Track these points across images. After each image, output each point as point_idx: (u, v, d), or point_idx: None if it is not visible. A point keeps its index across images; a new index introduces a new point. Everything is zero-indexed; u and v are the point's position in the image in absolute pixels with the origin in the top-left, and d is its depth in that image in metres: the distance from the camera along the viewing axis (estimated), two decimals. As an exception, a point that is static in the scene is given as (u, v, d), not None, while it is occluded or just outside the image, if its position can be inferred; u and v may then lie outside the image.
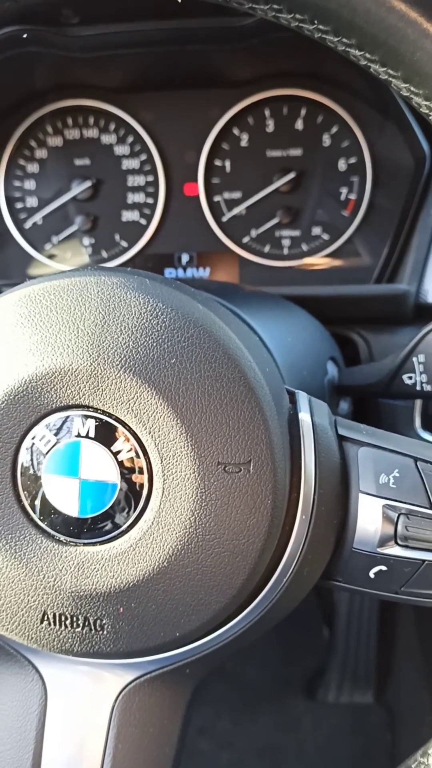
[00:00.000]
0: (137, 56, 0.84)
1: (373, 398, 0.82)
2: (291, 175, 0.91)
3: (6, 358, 0.41)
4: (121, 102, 0.92)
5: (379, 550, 0.44)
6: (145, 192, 0.94)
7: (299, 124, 0.90)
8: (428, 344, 0.63)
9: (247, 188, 0.93)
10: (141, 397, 0.40)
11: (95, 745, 0.48)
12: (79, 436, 0.41)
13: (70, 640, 0.43)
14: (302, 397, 0.47)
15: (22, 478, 0.42)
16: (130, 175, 0.94)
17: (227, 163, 0.92)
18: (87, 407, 0.41)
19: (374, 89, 0.83)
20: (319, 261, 0.93)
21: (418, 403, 0.81)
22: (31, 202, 0.95)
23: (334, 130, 0.90)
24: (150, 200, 0.94)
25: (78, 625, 0.43)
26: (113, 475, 0.41)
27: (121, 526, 0.41)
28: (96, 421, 0.41)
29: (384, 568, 0.44)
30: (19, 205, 0.95)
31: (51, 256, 0.96)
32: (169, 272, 0.96)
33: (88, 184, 0.93)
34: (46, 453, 0.41)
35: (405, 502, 0.43)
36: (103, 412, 0.41)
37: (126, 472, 0.41)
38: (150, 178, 0.94)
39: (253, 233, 0.94)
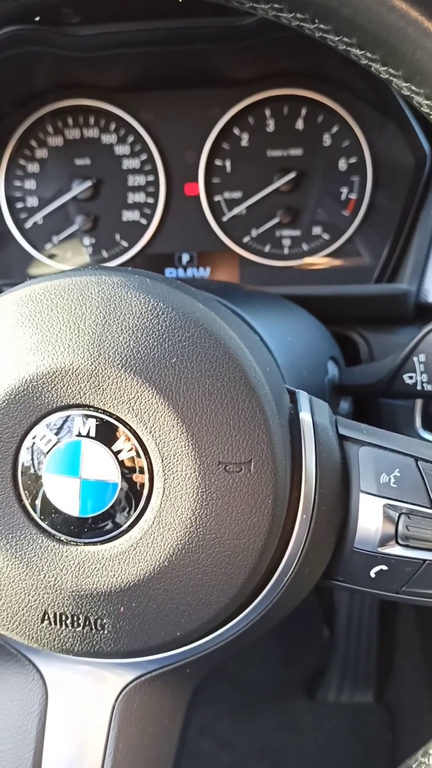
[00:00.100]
0: (138, 56, 0.84)
1: (373, 398, 0.82)
2: (291, 175, 0.91)
3: (7, 358, 0.41)
4: (122, 102, 0.92)
5: (379, 549, 0.44)
6: (145, 192, 0.94)
7: (300, 124, 0.90)
8: (429, 344, 0.63)
9: (247, 188, 0.93)
10: (142, 396, 0.40)
11: (96, 745, 0.48)
12: (79, 435, 0.41)
13: (70, 640, 0.43)
14: (303, 397, 0.47)
15: (23, 477, 0.42)
16: (130, 174, 0.94)
17: (228, 163, 0.92)
18: (88, 407, 0.41)
19: (375, 89, 0.83)
20: (319, 261, 0.93)
21: (419, 402, 0.81)
22: (32, 201, 0.95)
23: (335, 129, 0.90)
24: (150, 200, 0.94)
25: (79, 625, 0.43)
26: (114, 475, 0.41)
27: (121, 526, 0.41)
28: (97, 421, 0.41)
29: (385, 567, 0.44)
30: (19, 205, 0.95)
31: (51, 256, 0.96)
32: (170, 272, 0.96)
33: (88, 183, 0.93)
34: (47, 452, 0.41)
35: (406, 502, 0.43)
36: (104, 412, 0.41)
37: (127, 471, 0.41)
38: (150, 178, 0.94)
39: (254, 233, 0.94)
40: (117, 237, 0.95)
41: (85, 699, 0.49)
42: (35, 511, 0.42)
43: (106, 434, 0.41)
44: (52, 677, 0.49)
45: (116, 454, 0.41)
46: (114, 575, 0.41)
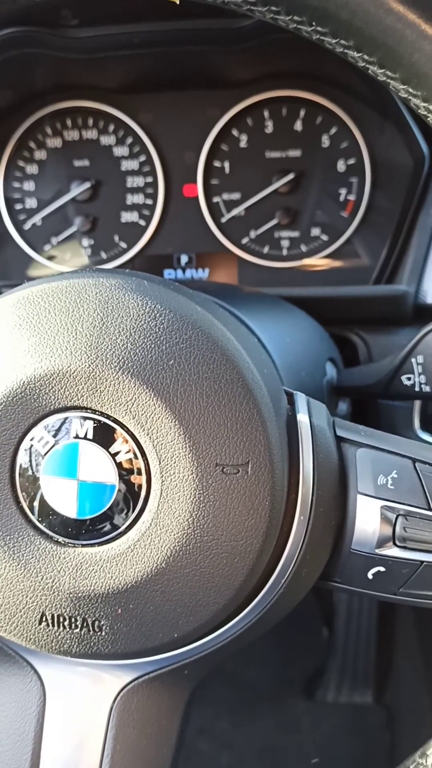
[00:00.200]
0: (136, 57, 0.84)
1: (372, 399, 0.82)
2: (290, 176, 0.91)
3: (4, 360, 0.41)
4: (120, 103, 0.92)
5: (377, 551, 0.44)
6: (144, 193, 0.94)
7: (298, 125, 0.90)
8: (427, 345, 0.63)
9: (246, 189, 0.93)
10: (139, 398, 0.40)
11: (93, 746, 0.48)
12: (77, 437, 0.41)
13: (68, 641, 0.43)
14: (300, 399, 0.47)
15: (21, 479, 0.42)
16: (129, 176, 0.94)
17: (226, 164, 0.92)
18: (85, 409, 0.41)
19: (373, 90, 0.83)
20: (318, 262, 0.93)
21: (417, 404, 0.81)
22: (31, 203, 0.95)
23: (333, 131, 0.90)
24: (149, 201, 0.94)
25: (76, 626, 0.43)
26: (111, 477, 0.41)
27: (119, 528, 0.41)
28: (94, 423, 0.41)
29: (382, 569, 0.44)
30: (18, 206, 0.95)
31: (50, 258, 0.96)
32: (169, 273, 0.96)
33: (87, 185, 0.93)
34: (45, 454, 0.41)
35: (403, 503, 0.43)
36: (102, 414, 0.41)
37: (124, 473, 0.41)
38: (149, 179, 0.94)
39: (252, 234, 0.94)
40: (116, 238, 0.95)
41: (83, 700, 0.49)
42: (33, 513, 0.42)
43: (103, 436, 0.41)
44: (49, 679, 0.49)
45: (114, 456, 0.41)
46: (111, 577, 0.41)
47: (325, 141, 0.90)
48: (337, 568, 0.45)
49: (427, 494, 0.43)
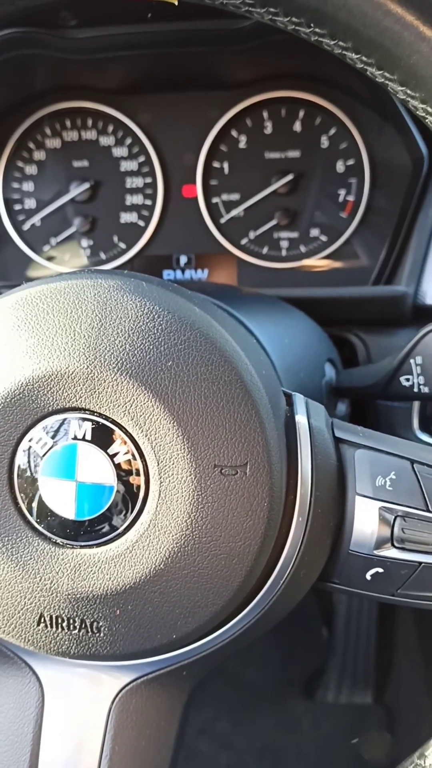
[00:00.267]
0: (135, 58, 0.85)
1: (370, 400, 0.82)
2: (289, 177, 0.91)
3: (3, 361, 0.42)
4: (120, 104, 0.92)
5: (375, 552, 0.44)
6: (143, 194, 0.94)
7: (297, 126, 0.90)
8: (426, 346, 0.63)
9: (245, 190, 0.93)
10: (137, 399, 0.40)
11: (92, 747, 0.48)
12: (75, 438, 0.41)
13: (66, 643, 0.43)
14: (299, 400, 0.47)
15: (19, 480, 0.42)
16: (128, 176, 0.94)
17: (225, 165, 0.92)
18: (84, 410, 0.41)
19: (372, 91, 0.83)
20: (317, 263, 0.93)
21: (416, 404, 0.81)
22: (30, 203, 0.95)
23: (333, 131, 0.90)
24: (148, 202, 0.94)
25: (75, 628, 0.43)
26: (110, 478, 0.41)
27: (117, 529, 0.41)
28: (93, 424, 0.41)
29: (380, 570, 0.44)
30: (17, 207, 0.96)
31: (49, 258, 0.96)
32: (168, 274, 0.96)
33: (86, 185, 0.93)
34: (43, 455, 0.41)
35: (401, 505, 0.43)
36: (100, 415, 0.41)
37: (123, 474, 0.41)
38: (148, 180, 0.94)
39: (252, 235, 0.94)
40: (115, 239, 0.95)
41: (82, 701, 0.49)
42: (31, 514, 0.42)
43: (102, 437, 0.41)
44: (48, 680, 0.49)
45: (112, 457, 0.41)
46: (110, 578, 0.41)
47: (324, 142, 0.91)
48: (336, 569, 0.45)
49: (426, 495, 0.43)
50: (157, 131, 0.92)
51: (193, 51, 0.83)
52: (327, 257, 0.93)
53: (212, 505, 0.40)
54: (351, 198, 0.91)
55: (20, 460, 0.42)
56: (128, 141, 0.93)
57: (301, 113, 0.90)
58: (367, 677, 1.32)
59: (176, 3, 0.41)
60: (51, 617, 0.43)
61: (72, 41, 0.81)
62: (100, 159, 0.94)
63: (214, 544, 0.41)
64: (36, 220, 0.95)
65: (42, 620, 0.43)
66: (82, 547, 0.42)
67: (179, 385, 0.40)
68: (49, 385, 0.41)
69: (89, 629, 0.42)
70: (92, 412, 0.41)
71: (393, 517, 0.43)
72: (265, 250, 0.94)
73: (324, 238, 0.92)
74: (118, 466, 0.41)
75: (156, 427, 0.40)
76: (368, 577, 0.44)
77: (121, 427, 0.41)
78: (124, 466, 0.41)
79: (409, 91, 0.38)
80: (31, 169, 0.94)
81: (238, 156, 0.92)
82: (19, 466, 0.42)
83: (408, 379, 0.64)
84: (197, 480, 0.40)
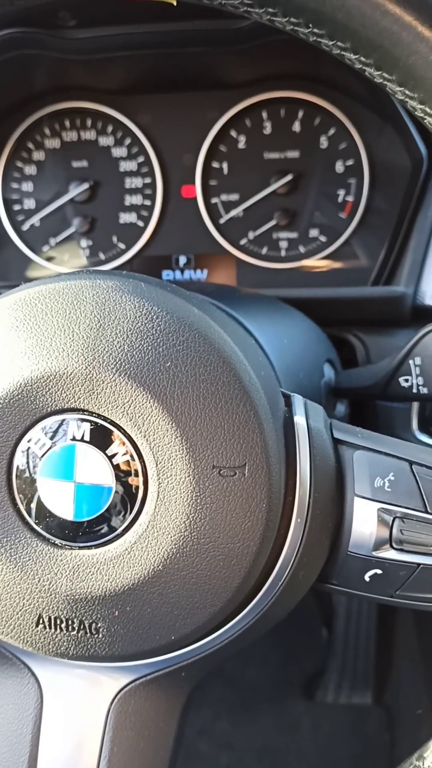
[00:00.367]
0: (134, 59, 0.84)
1: (370, 401, 0.82)
2: (288, 177, 0.91)
3: (1, 362, 0.42)
4: (119, 104, 0.92)
5: (374, 553, 0.44)
6: (142, 194, 0.94)
7: (296, 126, 0.90)
8: (425, 347, 0.63)
9: (244, 190, 0.93)
10: (136, 400, 0.40)
11: (91, 749, 0.48)
12: (74, 439, 0.41)
13: (65, 644, 0.43)
14: (298, 400, 0.47)
15: (18, 481, 0.42)
16: (127, 177, 0.94)
17: (225, 165, 0.92)
18: (82, 411, 0.41)
19: (371, 92, 0.83)
20: (316, 263, 0.93)
21: (416, 405, 0.81)
22: (29, 204, 0.95)
23: (332, 132, 0.90)
24: (147, 202, 0.94)
25: (73, 629, 0.43)
26: (108, 479, 0.41)
27: (116, 530, 0.41)
28: (91, 425, 0.41)
29: (379, 571, 0.44)
30: (16, 207, 0.95)
31: (49, 258, 0.96)
32: (167, 274, 0.96)
33: (85, 186, 0.93)
34: (42, 456, 0.41)
35: (400, 506, 0.43)
36: (99, 416, 0.41)
37: (121, 475, 0.41)
38: (147, 180, 0.94)
39: (251, 235, 0.94)
40: (114, 239, 0.95)
41: (81, 702, 0.49)
42: (30, 515, 0.42)
43: (100, 438, 0.41)
44: (47, 681, 0.49)
45: (111, 458, 0.41)
46: (109, 579, 0.41)
47: (324, 142, 0.91)
48: (334, 570, 0.45)
49: (424, 497, 0.43)
50: (157, 131, 0.92)
51: (193, 51, 0.83)
52: (326, 258, 0.93)
53: (211, 506, 0.40)
54: (350, 198, 0.91)
55: (19, 460, 0.42)
56: (127, 141, 0.93)
57: (301, 113, 0.90)
58: (367, 678, 1.32)
59: (175, 3, 0.41)
60: (50, 618, 0.43)
61: (71, 41, 0.81)
62: (100, 159, 0.94)
63: (213, 545, 0.41)
64: (35, 220, 0.95)
65: (41, 621, 0.43)
66: (80, 548, 0.42)
67: (178, 385, 0.40)
68: (48, 386, 0.41)
69: (88, 630, 0.42)
70: (91, 413, 0.41)
71: (391, 518, 0.43)
72: (264, 251, 0.94)
73: (323, 239, 0.92)
74: (116, 467, 0.41)
75: (154, 427, 0.40)
76: (367, 578, 0.44)
77: (119, 428, 0.41)
78: (123, 467, 0.41)
79: (407, 92, 0.38)
80: (31, 170, 0.94)
81: (237, 156, 0.92)
82: (17, 467, 0.42)
83: (407, 380, 0.64)
84: (196, 481, 0.40)
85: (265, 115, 0.91)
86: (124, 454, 0.41)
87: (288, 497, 0.43)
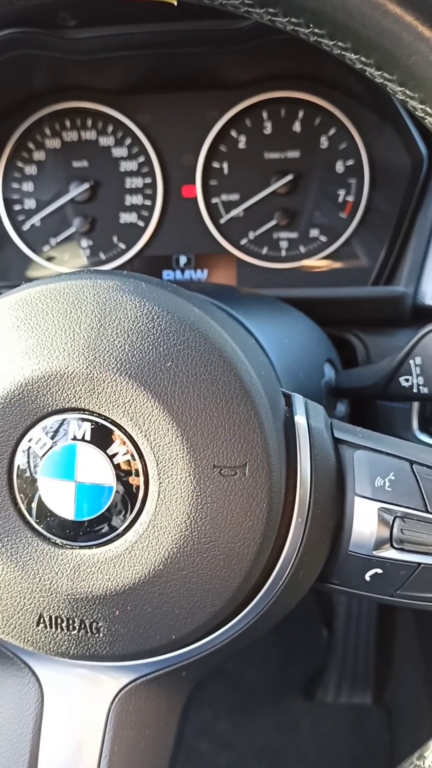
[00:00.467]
0: (134, 58, 0.85)
1: (370, 400, 0.82)
2: (288, 177, 0.91)
3: (2, 362, 0.42)
4: (119, 104, 0.92)
5: (374, 553, 0.44)
6: (143, 194, 0.94)
7: (297, 126, 0.90)
8: (425, 346, 0.63)
9: (244, 190, 0.93)
10: (137, 400, 0.40)
11: (92, 748, 0.48)
12: (75, 439, 0.41)
13: (66, 643, 0.43)
14: (298, 400, 0.47)
15: (19, 480, 0.42)
16: (128, 177, 0.94)
17: (225, 165, 0.92)
18: (83, 410, 0.41)
19: (372, 91, 0.83)
20: (316, 263, 0.93)
21: (416, 405, 0.81)
22: (29, 204, 0.95)
23: (332, 132, 0.90)
24: (148, 202, 0.94)
25: (74, 628, 0.43)
26: (109, 478, 0.41)
27: (117, 529, 0.41)
28: (92, 424, 0.41)
29: (379, 571, 0.44)
30: (17, 207, 0.96)
31: (49, 258, 0.96)
32: (167, 274, 0.96)
33: (86, 186, 0.93)
34: (42, 456, 0.41)
35: (400, 506, 0.43)
36: (99, 416, 0.41)
37: (122, 475, 0.41)
38: (148, 180, 0.94)
39: (251, 235, 0.94)
40: (114, 239, 0.95)
41: (81, 702, 0.49)
42: (31, 515, 0.42)
43: (101, 438, 0.41)
44: (47, 680, 0.49)
45: (111, 457, 0.41)
46: (109, 578, 0.41)
47: (324, 142, 0.91)
48: (335, 570, 0.45)
49: (425, 496, 0.43)
50: (157, 131, 0.92)
51: (193, 51, 0.83)
52: (326, 258, 0.93)
53: (211, 505, 0.40)
54: (350, 198, 0.91)
55: (20, 460, 0.42)
56: (128, 141, 0.93)
57: (301, 113, 0.90)
58: (367, 678, 1.32)
59: (175, 3, 0.41)
60: (50, 618, 0.43)
61: (71, 41, 0.81)
62: (100, 159, 0.94)
63: (214, 544, 0.41)
64: (36, 220, 0.95)
65: (41, 621, 0.43)
66: (81, 547, 0.42)
67: (178, 385, 0.40)
68: (49, 386, 0.41)
69: (88, 630, 0.42)
70: (91, 413, 0.41)
71: (392, 517, 0.43)
72: (264, 251, 0.94)
73: (323, 239, 0.92)
74: (117, 467, 0.41)
75: (155, 427, 0.40)
76: (367, 577, 0.44)
77: (120, 428, 0.41)
78: (124, 467, 0.41)
79: (408, 92, 0.38)
80: (31, 170, 0.94)
81: (237, 156, 0.92)
82: (18, 467, 0.42)
83: (407, 380, 0.64)
84: (196, 480, 0.40)
85: (265, 115, 0.91)
86: (125, 453, 0.41)
87: (288, 497, 0.43)
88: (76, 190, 0.93)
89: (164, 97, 0.92)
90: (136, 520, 0.41)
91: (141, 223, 0.95)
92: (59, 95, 0.92)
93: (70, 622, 0.42)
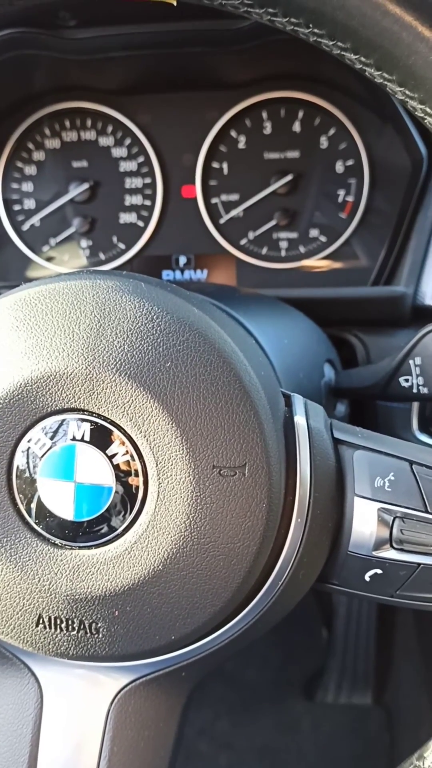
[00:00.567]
0: (134, 59, 0.85)
1: (370, 401, 0.82)
2: (288, 178, 0.91)
3: (1, 362, 0.42)
4: (119, 104, 0.92)
5: (374, 553, 0.44)
6: (142, 194, 0.94)
7: (296, 127, 0.90)
8: (425, 347, 0.63)
9: (244, 190, 0.93)
10: (136, 400, 0.40)
11: (91, 749, 0.48)
12: (74, 439, 0.41)
13: (65, 644, 0.43)
14: (298, 400, 0.47)
15: (18, 481, 0.42)
16: (127, 177, 0.94)
17: (225, 165, 0.92)
18: (82, 411, 0.41)
19: (371, 92, 0.83)
20: (316, 263, 0.93)
21: (416, 405, 0.81)
22: (29, 204, 0.95)
23: (332, 132, 0.90)
24: (147, 202, 0.94)
25: (73, 629, 0.43)
26: (108, 479, 0.41)
27: (116, 530, 0.41)
28: (91, 425, 0.41)
29: (379, 571, 0.44)
30: (16, 207, 0.96)
31: (49, 259, 0.96)
32: (167, 274, 0.96)
33: (85, 186, 0.93)
34: (42, 456, 0.41)
35: (400, 506, 0.43)
36: (99, 416, 0.41)
37: (121, 475, 0.41)
38: (147, 180, 0.94)
39: (251, 235, 0.94)
40: (114, 239, 0.95)
41: (81, 702, 0.49)
42: (30, 515, 0.42)
43: (100, 438, 0.41)
44: (47, 681, 0.49)
45: (111, 458, 0.41)
46: (109, 579, 0.41)
47: (324, 142, 0.91)
48: (335, 570, 0.45)
49: (424, 497, 0.43)
50: (157, 132, 0.92)
51: (192, 51, 0.83)
52: (326, 258, 0.93)
53: (211, 506, 0.40)
54: (350, 198, 0.91)
55: (19, 460, 0.42)
56: (127, 141, 0.93)
57: (301, 114, 0.90)
58: (367, 678, 1.32)
59: (175, 3, 0.41)
60: (50, 618, 0.43)
61: (71, 42, 0.81)
62: (100, 159, 0.94)
63: (213, 545, 0.41)
64: (35, 220, 0.95)
65: (41, 621, 0.43)
66: (80, 548, 0.42)
67: (178, 385, 0.40)
68: (48, 386, 0.41)
69: (88, 630, 0.42)
70: (91, 413, 0.41)
71: (392, 518, 0.43)
72: (264, 251, 0.94)
73: (323, 239, 0.92)
74: (116, 467, 0.41)
75: (155, 427, 0.40)
76: (367, 578, 0.44)
77: (119, 428, 0.41)
78: (123, 467, 0.41)
79: (407, 92, 0.38)
80: (31, 170, 0.94)
81: (237, 156, 0.92)
82: (17, 467, 0.42)
83: (407, 380, 0.64)
84: (196, 481, 0.40)
85: (265, 115, 0.91)
86: (124, 454, 0.41)
87: (288, 497, 0.43)
88: (76, 191, 0.93)
89: (164, 97, 0.92)
90: (136, 520, 0.41)
91: (141, 224, 0.95)
92: (59, 95, 0.92)
93: (70, 622, 0.42)
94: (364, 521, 0.44)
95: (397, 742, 1.26)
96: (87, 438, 0.41)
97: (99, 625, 0.42)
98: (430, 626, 1.18)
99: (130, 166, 0.94)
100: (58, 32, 0.80)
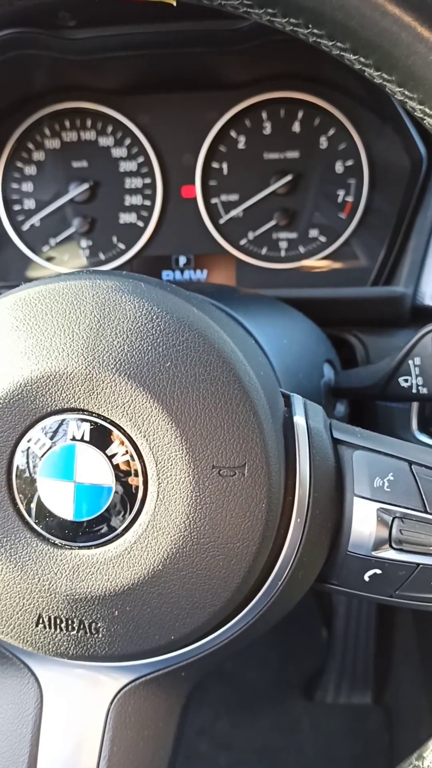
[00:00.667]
0: (134, 59, 0.85)
1: (369, 401, 0.82)
2: (288, 178, 0.91)
3: (1, 362, 0.42)
4: (119, 104, 0.92)
5: (373, 553, 0.44)
6: (142, 194, 0.94)
7: (296, 127, 0.91)
8: (424, 347, 0.63)
9: (244, 190, 0.93)
10: (136, 400, 0.40)
11: (91, 748, 0.48)
12: (74, 439, 0.41)
13: (65, 644, 0.43)
14: (297, 401, 0.47)
15: (18, 481, 0.42)
16: (127, 177, 0.94)
17: (224, 166, 0.92)
18: (82, 411, 0.41)
19: (371, 92, 0.83)
20: (316, 263, 0.93)
21: (415, 405, 0.81)
22: (29, 204, 0.95)
23: (331, 132, 0.90)
24: (147, 202, 0.94)
25: (73, 629, 0.43)
26: (108, 479, 0.41)
27: (116, 530, 0.41)
28: (91, 425, 0.41)
29: (378, 571, 0.44)
30: (16, 207, 0.96)
31: (49, 259, 0.96)
32: (167, 274, 0.96)
33: (85, 186, 0.93)
34: (42, 456, 0.41)
35: (399, 506, 0.43)
36: (98, 416, 0.41)
37: (121, 475, 0.41)
38: (147, 181, 0.94)
39: (251, 235, 0.94)
40: (114, 239, 0.95)
41: (80, 702, 0.49)
42: (30, 515, 0.42)
43: (100, 438, 0.41)
44: (47, 680, 0.49)
45: (110, 458, 0.41)
46: (108, 579, 0.41)
47: (323, 142, 0.91)
48: (334, 570, 0.45)
49: (424, 497, 0.43)
50: (156, 132, 0.92)
51: (192, 51, 0.83)
52: (326, 258, 0.93)
53: (210, 506, 0.40)
54: (350, 199, 0.91)
55: (19, 460, 0.42)
56: (127, 141, 0.93)
57: (300, 114, 0.90)
58: (366, 678, 1.32)
59: (174, 3, 0.41)
60: (49, 618, 0.43)
61: (71, 42, 0.81)
62: (99, 159, 0.94)
63: (213, 545, 0.41)
64: (35, 220, 0.95)
65: (40, 621, 0.43)
66: (80, 548, 0.42)
67: (177, 386, 0.40)
68: (48, 386, 0.41)
69: (88, 630, 0.42)
70: (90, 413, 0.41)
71: (391, 518, 0.43)
72: (264, 251, 0.94)
73: (323, 239, 0.92)
74: (116, 467, 0.41)
75: (154, 427, 0.40)
76: (366, 578, 0.44)
77: (119, 428, 0.41)
78: (123, 467, 0.41)
79: (407, 92, 0.38)
80: (31, 170, 0.95)
81: (237, 156, 0.92)
82: (17, 467, 0.42)
83: (406, 380, 0.64)
84: (195, 481, 0.40)
85: (264, 115, 0.91)
86: (124, 454, 0.41)
87: (287, 497, 0.43)
88: (76, 191, 0.93)
89: (163, 97, 0.92)
90: (135, 520, 0.41)
91: (140, 224, 0.95)
92: (59, 95, 0.92)
93: (69, 622, 0.42)
94: (364, 521, 0.44)
95: (396, 742, 1.26)
96: (87, 438, 0.41)
97: (99, 625, 0.42)
98: (430, 626, 1.18)
99: (129, 166, 0.94)
100: (58, 32, 0.80)
